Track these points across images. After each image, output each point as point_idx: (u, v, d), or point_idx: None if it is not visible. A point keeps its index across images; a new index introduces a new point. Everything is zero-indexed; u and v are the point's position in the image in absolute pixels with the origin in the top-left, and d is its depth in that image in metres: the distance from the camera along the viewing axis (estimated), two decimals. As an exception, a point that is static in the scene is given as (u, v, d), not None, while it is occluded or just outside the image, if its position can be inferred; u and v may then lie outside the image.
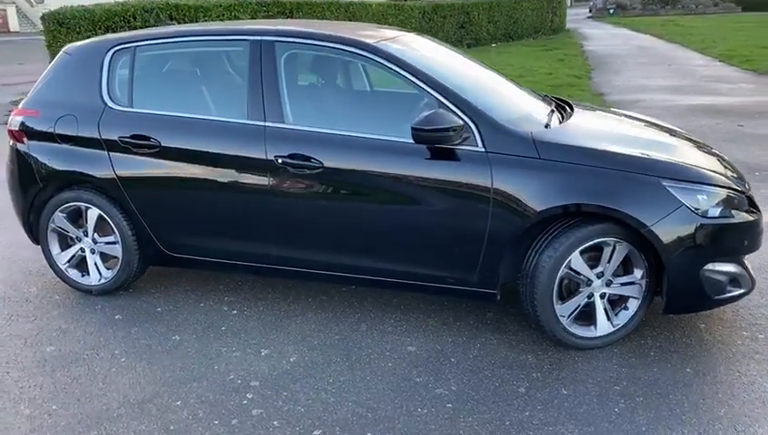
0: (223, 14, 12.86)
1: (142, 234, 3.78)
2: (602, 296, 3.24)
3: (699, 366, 3.13)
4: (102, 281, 3.94)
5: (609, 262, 3.19)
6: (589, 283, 3.20)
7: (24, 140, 3.89)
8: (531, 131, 3.25)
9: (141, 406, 2.90)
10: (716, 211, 3.12)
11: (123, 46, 3.80)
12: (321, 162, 3.34)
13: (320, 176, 3.36)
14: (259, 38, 3.56)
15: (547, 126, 3.44)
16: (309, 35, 3.59)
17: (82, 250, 3.94)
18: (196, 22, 12.23)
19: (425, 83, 3.33)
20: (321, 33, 3.59)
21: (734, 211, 3.18)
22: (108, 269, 3.94)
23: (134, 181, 3.69)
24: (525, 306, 3.27)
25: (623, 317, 3.28)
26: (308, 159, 3.36)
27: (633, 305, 3.27)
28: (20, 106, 4.00)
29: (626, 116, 4.38)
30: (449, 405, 2.87)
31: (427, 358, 3.25)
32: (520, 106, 3.69)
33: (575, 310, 3.23)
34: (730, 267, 3.19)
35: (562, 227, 3.13)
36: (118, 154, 3.68)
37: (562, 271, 3.13)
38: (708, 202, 3.11)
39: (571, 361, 3.20)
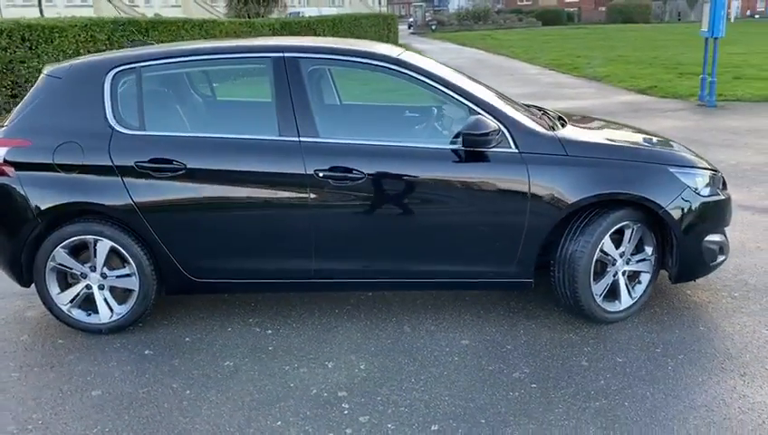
0: (79, 34, 12.08)
1: (164, 262, 3.60)
2: (623, 274, 3.67)
3: (707, 324, 3.66)
4: (115, 318, 3.69)
5: (628, 242, 3.62)
6: (614, 262, 3.61)
7: (11, 172, 3.54)
8: (555, 132, 3.60)
9: (244, 432, 2.83)
10: (708, 190, 3.67)
11: (125, 67, 3.61)
12: (363, 173, 3.44)
13: (362, 186, 3.46)
14: (281, 55, 3.57)
15: (554, 128, 3.81)
16: (332, 50, 3.67)
17: (89, 287, 3.66)
18: (51, 42, 11.41)
19: (455, 93, 3.56)
20: (344, 48, 3.69)
21: (718, 189, 3.76)
22: (120, 305, 3.69)
23: (155, 207, 3.52)
24: (562, 289, 3.60)
25: (638, 290, 3.73)
26: (349, 170, 3.45)
27: (645, 279, 3.73)
28: (0, 136, 3.62)
29: (587, 118, 4.92)
30: (534, 385, 3.12)
31: (485, 348, 3.47)
32: (524, 111, 4.04)
33: (605, 288, 3.62)
34: (719, 237, 3.77)
35: (592, 215, 3.51)
36: (134, 180, 3.49)
37: (597, 254, 3.51)
38: (702, 183, 3.66)
39: (607, 334, 3.58)
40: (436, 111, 3.91)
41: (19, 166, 3.54)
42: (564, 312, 3.79)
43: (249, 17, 20.09)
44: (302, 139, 3.48)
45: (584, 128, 4.12)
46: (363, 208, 3.53)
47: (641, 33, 37.47)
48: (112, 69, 3.60)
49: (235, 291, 3.86)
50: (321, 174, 3.44)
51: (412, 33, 43.95)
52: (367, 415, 2.92)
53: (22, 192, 3.53)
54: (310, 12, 34.39)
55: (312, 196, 3.47)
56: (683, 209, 3.56)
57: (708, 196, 3.66)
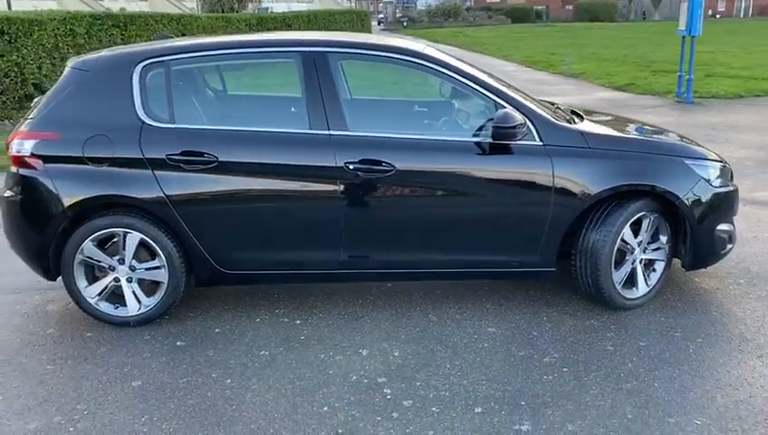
0: (58, 28, 11.88)
1: (194, 254, 3.63)
2: (641, 262, 3.81)
3: (719, 309, 3.83)
4: (143, 310, 3.70)
5: (646, 232, 3.76)
6: (632, 251, 3.76)
7: (39, 165, 3.53)
8: (576, 125, 3.73)
9: (292, 418, 2.89)
10: (719, 181, 3.84)
11: (154, 60, 3.62)
12: (392, 165, 3.52)
13: (391, 178, 3.54)
14: (310, 49, 3.63)
15: (572, 121, 3.93)
16: (360, 45, 3.74)
17: (117, 280, 3.67)
18: (31, 36, 11.21)
19: (481, 87, 3.66)
20: (372, 42, 3.76)
21: (727, 181, 3.93)
22: (148, 297, 3.71)
23: (187, 200, 3.54)
24: (583, 278, 3.73)
25: (653, 278, 3.87)
26: (378, 163, 3.52)
27: (660, 267, 3.88)
28: (26, 128, 3.61)
29: (592, 112, 5.06)
30: (565, 369, 3.24)
31: (512, 335, 3.58)
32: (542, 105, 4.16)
33: (625, 276, 3.76)
34: (728, 227, 3.94)
35: (613, 206, 3.64)
36: (165, 173, 3.51)
37: (618, 243, 3.65)
38: (714, 174, 3.82)
39: (626, 320, 3.72)
40: (455, 105, 4.00)
41: (47, 159, 3.53)
42: (582, 299, 3.92)
43: (224, 12, 19.92)
44: (332, 132, 3.54)
45: (597, 122, 4.25)
46: (391, 200, 3.61)
47: (609, 31, 38.18)
48: (141, 62, 3.61)
49: (264, 282, 3.91)
50: (351, 166, 3.51)
51: (383, 30, 44.01)
52: (410, 399, 3.00)
53: (51, 185, 3.52)
54: (279, 7, 34.21)
55: (342, 188, 3.53)
56: (697, 200, 3.71)
57: (719, 187, 3.83)
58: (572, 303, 3.92)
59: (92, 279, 3.70)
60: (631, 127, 4.39)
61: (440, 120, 4.01)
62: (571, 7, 59.68)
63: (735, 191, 3.98)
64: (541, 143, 3.60)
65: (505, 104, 3.61)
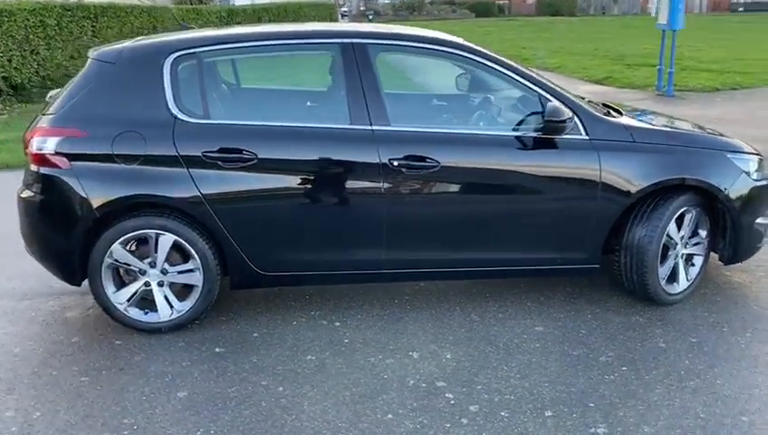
0: (28, 19, 11.41)
1: (231, 255, 3.46)
2: (682, 257, 3.78)
3: (758, 303, 3.84)
4: (175, 316, 3.52)
5: (688, 226, 3.73)
6: (675, 246, 3.72)
7: (64, 164, 3.31)
8: (619, 119, 3.67)
9: (358, 427, 2.76)
10: (757, 175, 3.83)
11: (185, 52, 3.43)
12: (437, 161, 3.40)
13: (436, 175, 3.43)
14: (349, 40, 3.49)
15: (609, 114, 3.87)
16: (400, 36, 3.61)
17: (147, 284, 3.48)
18: (0, 27, 10.76)
19: (527, 80, 3.57)
20: (411, 33, 3.63)
21: (764, 174, 3.92)
22: (181, 301, 3.52)
23: (224, 199, 3.37)
24: (629, 274, 3.68)
25: (693, 272, 3.85)
26: (423, 159, 3.41)
27: (699, 262, 3.86)
28: (47, 125, 3.38)
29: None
30: (624, 368, 3.18)
31: (562, 334, 3.51)
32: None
33: (669, 271, 3.72)
34: (764, 220, 3.93)
35: (658, 200, 3.60)
36: (201, 171, 3.33)
37: (664, 238, 3.60)
38: (753, 167, 3.81)
39: (670, 316, 3.69)
40: (492, 98, 3.90)
41: (73, 157, 3.32)
42: (622, 295, 3.88)
43: (192, 3, 19.45)
44: (374, 127, 3.40)
45: (634, 115, 4.21)
46: (435, 197, 3.50)
47: (572, 25, 38.55)
48: (171, 53, 3.42)
49: (302, 283, 3.76)
50: (395, 163, 3.38)
51: (349, 23, 43.82)
52: (475, 404, 2.90)
53: (77, 185, 3.31)
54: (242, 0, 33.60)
55: (386, 185, 3.41)
56: (739, 193, 3.69)
57: (758, 180, 3.82)
58: (613, 299, 3.87)
59: (120, 284, 3.50)
60: (667, 120, 4.34)
61: (477, 114, 3.90)
62: (532, 1, 60.13)
63: (771, 184, 3.97)
64: (587, 137, 3.53)
65: (551, 97, 3.53)
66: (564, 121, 3.37)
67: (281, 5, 23.70)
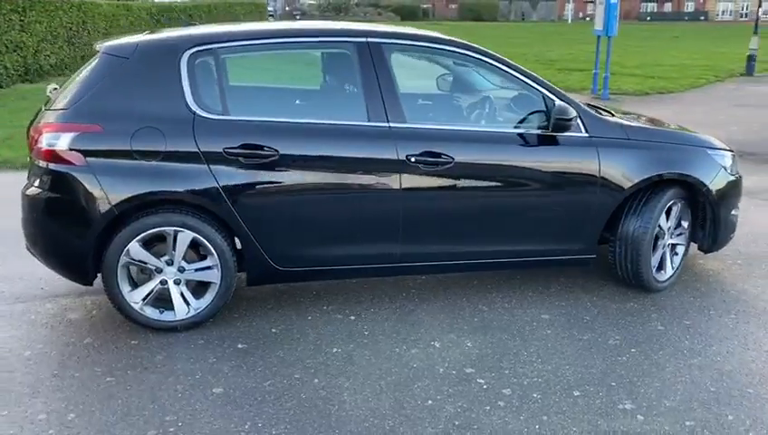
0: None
1: (249, 252, 3.47)
2: (668, 246, 4.07)
3: (734, 288, 4.17)
4: (191, 314, 3.49)
5: (674, 218, 4.02)
6: (664, 236, 4.00)
7: (79, 160, 3.24)
8: (614, 118, 3.91)
9: (402, 413, 2.84)
10: (732, 169, 4.17)
11: (202, 47, 3.42)
12: (452, 157, 3.54)
13: (450, 171, 3.56)
14: (364, 39, 3.57)
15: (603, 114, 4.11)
16: (415, 37, 3.72)
17: (163, 283, 3.44)
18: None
19: (530, 80, 3.75)
20: (425, 34, 3.75)
21: (736, 169, 4.27)
22: (197, 299, 3.50)
23: (245, 195, 3.38)
24: (624, 263, 3.93)
25: (676, 261, 4.15)
26: (438, 155, 3.53)
27: (681, 251, 4.16)
28: (58, 120, 3.29)
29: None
30: (633, 350, 3.41)
31: (567, 321, 3.71)
32: None
33: (659, 260, 4.00)
34: (737, 211, 4.28)
35: (650, 194, 3.86)
36: (221, 167, 3.33)
37: (656, 229, 3.87)
38: (728, 163, 4.14)
39: (661, 301, 3.96)
40: (499, 97, 4.07)
41: (89, 153, 3.24)
42: (613, 283, 4.13)
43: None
44: (391, 124, 3.50)
45: (624, 114, 4.47)
46: (449, 192, 3.63)
47: (495, 30, 39.76)
48: (188, 49, 3.40)
49: (318, 278, 3.80)
50: (412, 159, 3.49)
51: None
52: (507, 388, 3.05)
53: (94, 182, 3.24)
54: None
55: (403, 181, 3.51)
56: (719, 187, 4.01)
57: (733, 174, 4.15)
58: (606, 288, 4.11)
59: (135, 283, 3.44)
60: (650, 120, 4.61)
61: (486, 113, 4.06)
62: (454, 6, 61.47)
63: (741, 178, 4.32)
64: (587, 135, 3.75)
65: (554, 97, 3.72)
66: (571, 119, 3.58)
67: (211, 4, 23.26)
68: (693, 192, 4.01)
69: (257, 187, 3.39)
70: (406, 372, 3.16)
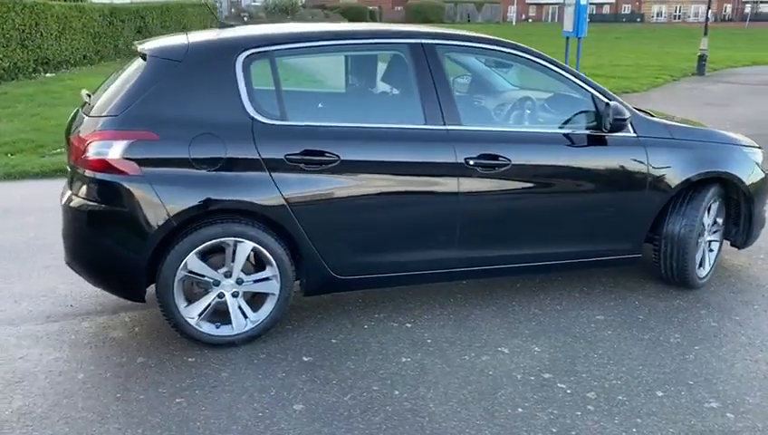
0: None
1: (309, 261, 3.35)
2: (707, 243, 4.13)
3: (766, 282, 4.26)
4: (249, 327, 3.35)
5: (714, 215, 4.08)
6: (703, 234, 4.06)
7: (135, 170, 3.05)
8: (657, 118, 3.95)
9: (497, 423, 2.78)
10: (764, 166, 4.27)
11: (257, 50, 3.28)
12: (509, 159, 3.50)
13: (506, 173, 3.52)
14: (418, 41, 3.50)
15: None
16: (466, 38, 3.66)
17: (221, 296, 3.28)
18: None
19: (579, 80, 3.75)
20: (474, 35, 3.70)
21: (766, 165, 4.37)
22: (254, 312, 3.36)
23: (306, 202, 3.26)
24: (669, 261, 3.97)
25: (712, 257, 4.22)
26: (495, 157, 3.49)
27: (716, 247, 4.23)
28: (108, 128, 3.09)
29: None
30: (697, 347, 3.43)
31: (623, 321, 3.72)
32: None
33: (701, 256, 4.05)
34: (766, 207, 4.38)
35: (694, 193, 3.91)
36: (282, 174, 3.20)
37: (699, 227, 3.93)
38: (760, 159, 4.24)
39: (705, 298, 4.01)
40: (548, 97, 4.05)
41: (144, 162, 3.06)
42: (652, 281, 4.16)
43: (74, 0, 18.10)
44: (448, 127, 3.44)
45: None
46: (505, 195, 3.59)
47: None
48: (242, 51, 3.25)
49: (374, 286, 3.70)
50: (471, 162, 3.44)
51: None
52: (591, 391, 3.02)
53: (151, 192, 3.06)
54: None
55: (461, 184, 3.45)
56: (753, 183, 4.10)
57: (765, 170, 4.25)
58: (647, 286, 4.15)
59: (191, 298, 3.28)
60: (685, 119, 4.66)
61: (538, 113, 4.03)
62: (401, 8, 61.76)
63: (768, 175, 4.43)
64: (635, 135, 3.77)
65: (603, 97, 3.72)
66: (626, 119, 3.59)
67: (163, 4, 22.63)
68: (728, 189, 4.08)
69: (318, 194, 3.27)
70: (484, 380, 3.10)
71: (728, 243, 4.38)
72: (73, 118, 3.47)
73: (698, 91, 14.49)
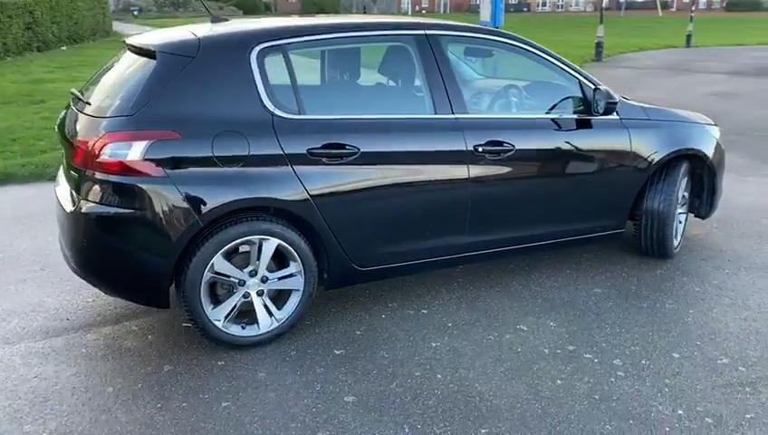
0: None
1: (331, 255, 3.35)
2: (678, 216, 4.46)
3: (725, 249, 4.66)
4: (274, 325, 3.31)
5: (684, 190, 4.42)
6: (677, 207, 4.38)
7: (157, 171, 2.95)
8: (633, 100, 4.22)
9: (540, 395, 2.92)
10: (721, 141, 4.65)
11: (270, 43, 3.23)
12: (513, 145, 3.65)
13: (511, 158, 3.67)
14: (423, 32, 3.56)
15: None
16: (468, 29, 3.76)
17: (246, 295, 3.23)
18: None
19: (569, 68, 3.94)
20: (476, 26, 3.80)
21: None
22: (279, 309, 3.33)
23: (328, 196, 3.25)
24: (649, 234, 4.25)
25: (680, 229, 4.56)
26: (501, 143, 3.63)
27: (683, 219, 4.58)
28: (127, 127, 2.95)
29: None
30: (691, 311, 3.72)
31: (618, 292, 3.96)
32: None
33: (676, 228, 4.37)
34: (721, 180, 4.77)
35: (669, 170, 4.22)
36: (305, 168, 3.19)
37: (676, 201, 4.24)
38: (718, 135, 4.61)
39: (681, 266, 4.33)
40: (542, 84, 4.21)
41: (166, 162, 2.95)
42: (630, 254, 4.45)
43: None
44: (456, 115, 3.53)
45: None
46: (510, 179, 3.72)
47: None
48: (256, 45, 3.19)
49: (392, 275, 3.73)
50: (480, 149, 3.55)
51: (114, 20, 40.46)
52: (616, 359, 3.22)
53: (176, 193, 2.96)
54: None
55: (471, 171, 3.56)
56: (716, 158, 4.46)
57: (722, 146, 4.63)
58: (628, 259, 4.43)
59: (216, 299, 3.20)
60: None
61: (528, 100, 4.18)
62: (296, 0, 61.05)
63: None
64: (618, 117, 4.01)
65: (590, 83, 3.94)
66: (617, 102, 3.81)
67: (54, 1, 21.27)
68: (693, 164, 4.42)
69: (339, 186, 3.27)
70: (517, 357, 3.23)
71: (692, 215, 4.72)
72: (65, 117, 3.29)
73: (602, 76, 15.12)
